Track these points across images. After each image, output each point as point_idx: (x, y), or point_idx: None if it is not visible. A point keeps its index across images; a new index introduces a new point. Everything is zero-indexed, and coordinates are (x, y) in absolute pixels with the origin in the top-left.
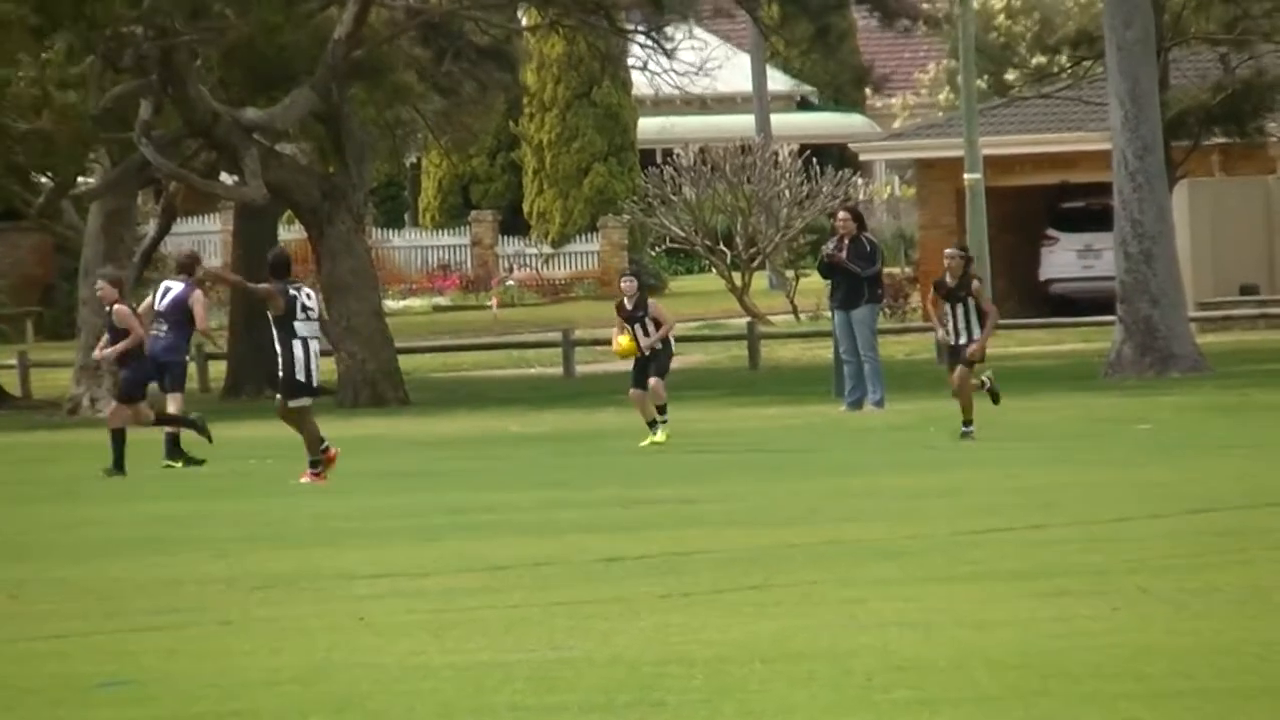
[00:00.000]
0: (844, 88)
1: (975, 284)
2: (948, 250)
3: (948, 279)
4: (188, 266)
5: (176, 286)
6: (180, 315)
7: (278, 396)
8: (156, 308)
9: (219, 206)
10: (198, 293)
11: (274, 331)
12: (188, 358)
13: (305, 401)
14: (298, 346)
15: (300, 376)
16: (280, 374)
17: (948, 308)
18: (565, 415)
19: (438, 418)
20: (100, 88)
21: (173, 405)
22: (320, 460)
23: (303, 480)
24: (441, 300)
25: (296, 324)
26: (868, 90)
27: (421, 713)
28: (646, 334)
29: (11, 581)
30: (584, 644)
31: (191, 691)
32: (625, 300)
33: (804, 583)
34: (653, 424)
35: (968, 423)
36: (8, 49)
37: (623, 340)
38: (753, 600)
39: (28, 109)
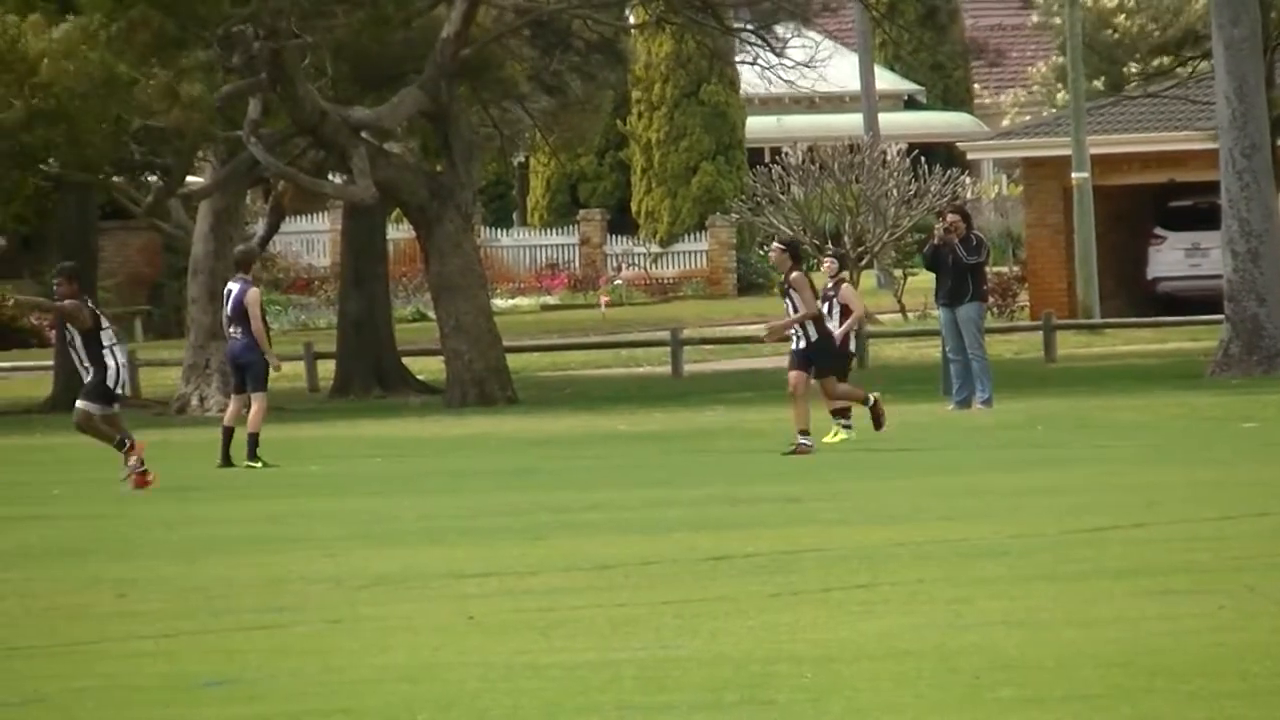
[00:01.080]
0: (952, 87)
1: (794, 275)
2: (776, 243)
3: (828, 283)
4: (244, 264)
5: (236, 286)
6: (245, 314)
7: (80, 404)
8: (225, 311)
9: (327, 205)
10: (253, 290)
11: (83, 348)
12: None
13: (114, 409)
14: (108, 356)
15: (112, 384)
16: (92, 383)
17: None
18: (672, 414)
19: (545, 417)
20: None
21: (257, 405)
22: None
23: (130, 487)
24: (549, 299)
25: (103, 334)
26: (975, 90)
27: (528, 711)
28: (831, 317)
29: (120, 580)
30: (691, 643)
31: (298, 690)
32: (829, 280)
33: (911, 581)
34: (836, 412)
35: (803, 433)
36: (139, 50)
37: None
38: (860, 599)
39: (159, 103)
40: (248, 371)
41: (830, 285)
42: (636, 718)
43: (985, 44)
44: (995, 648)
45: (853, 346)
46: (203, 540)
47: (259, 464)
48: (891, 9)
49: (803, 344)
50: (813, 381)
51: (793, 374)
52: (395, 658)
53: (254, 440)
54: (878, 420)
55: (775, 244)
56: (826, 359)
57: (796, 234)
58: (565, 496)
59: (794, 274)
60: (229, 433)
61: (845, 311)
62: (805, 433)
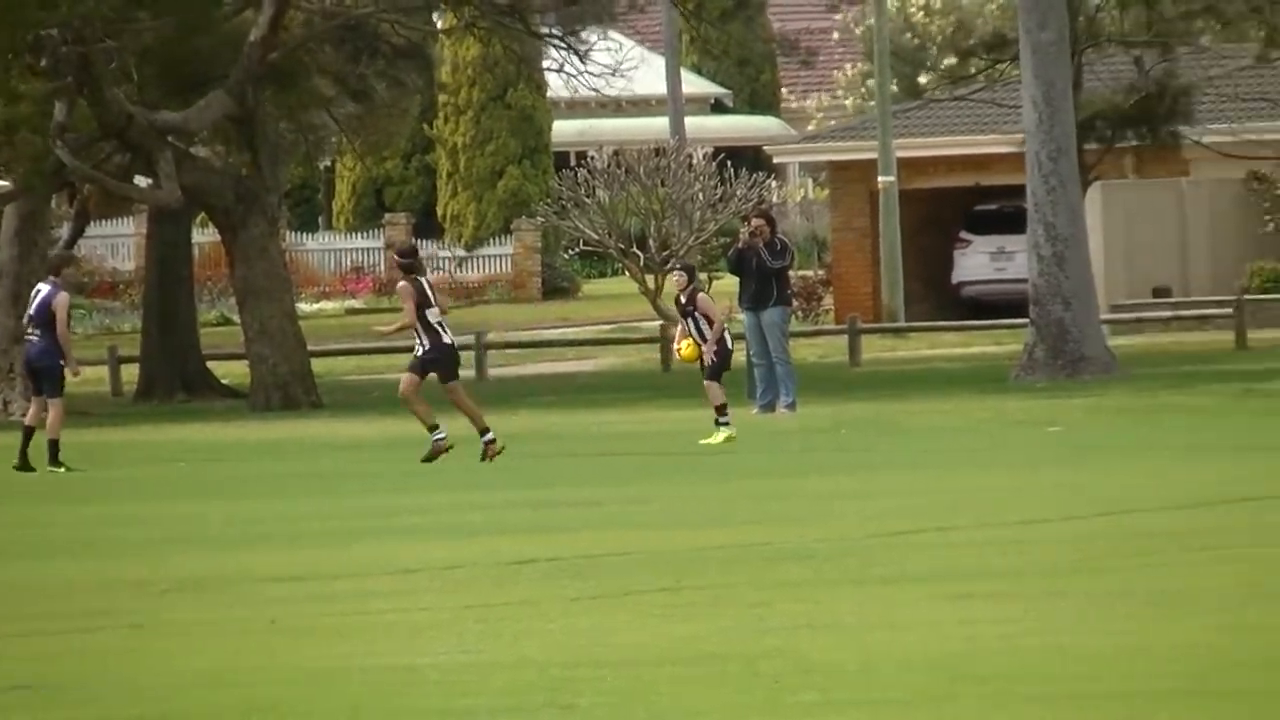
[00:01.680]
0: (758, 91)
1: (700, 295)
2: (676, 269)
3: (680, 297)
4: (57, 267)
5: (45, 289)
6: (49, 318)
7: None
8: (29, 312)
9: (133, 209)
10: (61, 295)
11: None
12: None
13: None
14: None
15: None
16: None
17: (684, 324)
18: None
19: (350, 421)
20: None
21: (54, 411)
22: None
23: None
24: (355, 303)
25: None
26: (782, 93)
27: (332, 716)
28: (699, 331)
29: None
30: (494, 647)
31: (103, 695)
32: (680, 295)
33: (715, 585)
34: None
35: (484, 431)
36: None
37: (683, 348)
38: (663, 603)
39: None
40: (44, 376)
41: (684, 300)
42: None
43: (796, 41)
44: (798, 651)
45: (730, 345)
46: (3, 545)
47: (61, 469)
48: (699, 6)
49: (420, 351)
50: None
51: (405, 377)
52: (200, 662)
53: (54, 446)
54: (433, 456)
55: (677, 270)
56: (443, 366)
57: (602, 237)
58: (369, 501)
59: (700, 296)
60: (29, 433)
61: (709, 322)
62: (435, 428)
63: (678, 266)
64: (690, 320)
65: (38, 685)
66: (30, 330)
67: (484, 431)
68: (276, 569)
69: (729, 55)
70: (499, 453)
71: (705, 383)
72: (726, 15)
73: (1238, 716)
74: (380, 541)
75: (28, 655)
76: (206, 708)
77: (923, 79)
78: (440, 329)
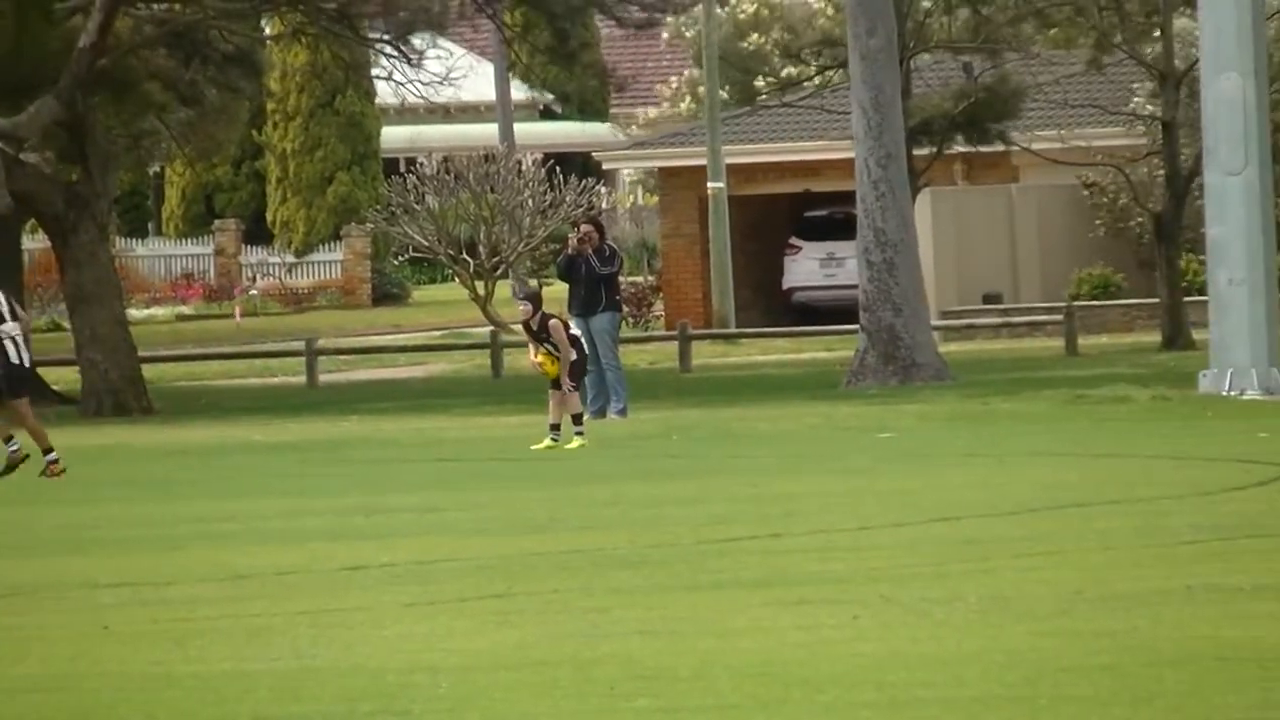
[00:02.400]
0: (588, 97)
1: (552, 322)
2: (518, 298)
3: (531, 325)
4: None
5: None
6: None
7: None
8: None
9: None
10: None
11: None
12: None
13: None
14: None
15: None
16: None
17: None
18: (308, 424)
19: (181, 427)
20: None
21: None
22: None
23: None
24: (185, 309)
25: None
26: (612, 99)
27: None
28: (554, 355)
29: None
30: (327, 653)
31: None
32: (529, 323)
33: (547, 591)
34: (555, 427)
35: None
36: None
37: (542, 361)
38: (496, 609)
39: None
40: None
41: (535, 328)
42: None
43: (614, 69)
44: (632, 657)
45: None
46: None
47: None
48: (525, 30)
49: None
50: None
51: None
52: (30, 668)
53: None
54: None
55: (520, 300)
56: (19, 385)
57: (432, 243)
58: (201, 506)
59: (552, 322)
60: None
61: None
62: (10, 439)
63: (520, 295)
64: (548, 345)
65: None
66: None
67: (47, 451)
68: (108, 574)
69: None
70: (61, 472)
71: (566, 393)
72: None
73: None
74: (212, 547)
75: None
76: (38, 713)
77: (758, 83)
78: (13, 344)
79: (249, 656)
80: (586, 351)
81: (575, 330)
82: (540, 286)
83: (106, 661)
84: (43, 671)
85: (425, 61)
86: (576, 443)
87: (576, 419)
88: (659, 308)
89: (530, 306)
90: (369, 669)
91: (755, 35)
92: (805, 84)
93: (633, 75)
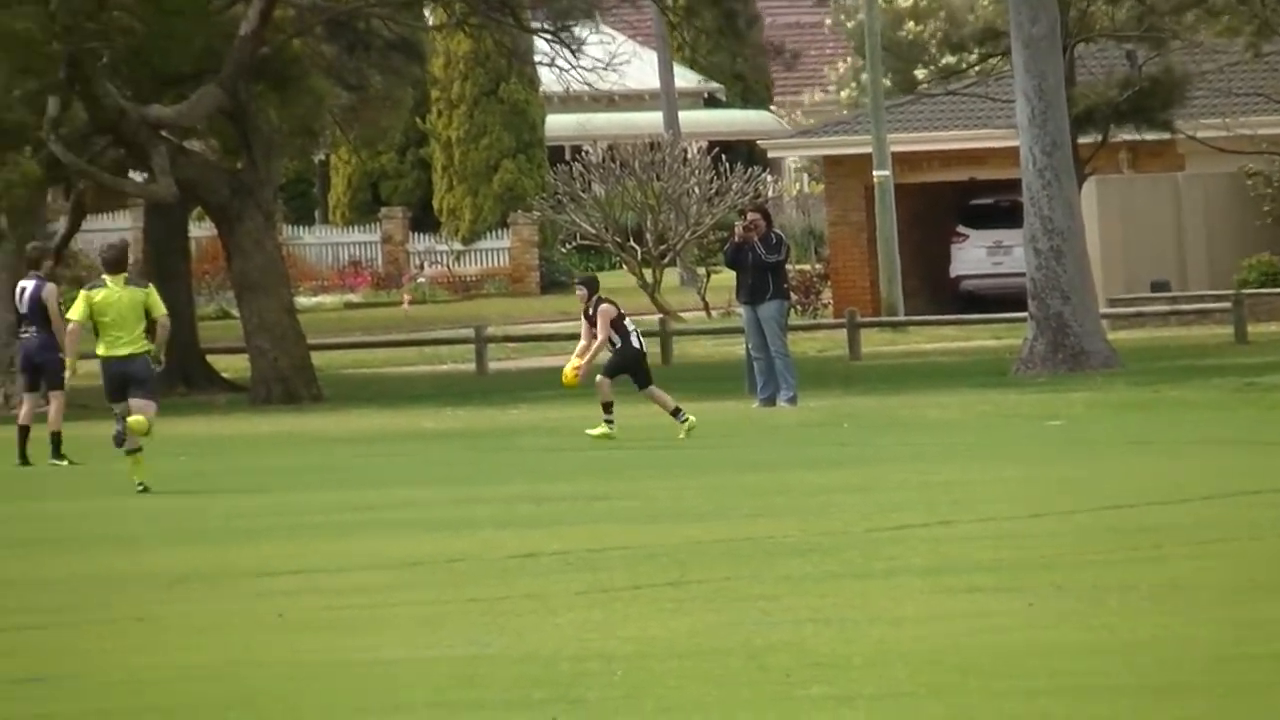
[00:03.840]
0: (753, 80)
1: (602, 307)
2: (576, 283)
3: (588, 310)
4: (35, 262)
5: (30, 284)
6: (43, 312)
7: None
8: (20, 310)
9: (129, 204)
10: (50, 286)
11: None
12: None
13: None
14: None
15: None
16: None
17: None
18: (477, 412)
19: (350, 414)
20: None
21: (55, 404)
22: None
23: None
24: (353, 297)
25: None
26: (775, 86)
27: (339, 710)
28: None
29: None
30: (500, 640)
31: (104, 688)
32: (587, 308)
33: (718, 579)
34: (677, 411)
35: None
36: None
37: (567, 372)
38: (669, 596)
39: None
40: (44, 370)
41: (590, 311)
42: (448, 716)
43: (782, 46)
44: (804, 645)
45: (639, 347)
46: (8, 539)
47: (64, 462)
48: (689, 12)
49: None
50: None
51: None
52: (204, 656)
53: (56, 439)
54: None
55: (579, 284)
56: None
57: (599, 231)
58: (372, 494)
59: (602, 305)
60: (24, 431)
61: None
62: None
63: (578, 281)
64: (614, 339)
65: (41, 678)
66: (27, 327)
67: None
68: (281, 563)
69: (716, 58)
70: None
71: (598, 378)
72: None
73: (1241, 710)
74: (384, 535)
75: (31, 649)
76: (210, 700)
77: (918, 73)
78: None
79: (422, 644)
80: (636, 348)
81: (631, 328)
82: (709, 275)
83: (279, 649)
84: (216, 659)
85: (587, 48)
86: (600, 430)
87: (606, 407)
88: (826, 296)
89: (586, 291)
90: (542, 656)
91: (913, 24)
92: (967, 72)
93: (799, 51)
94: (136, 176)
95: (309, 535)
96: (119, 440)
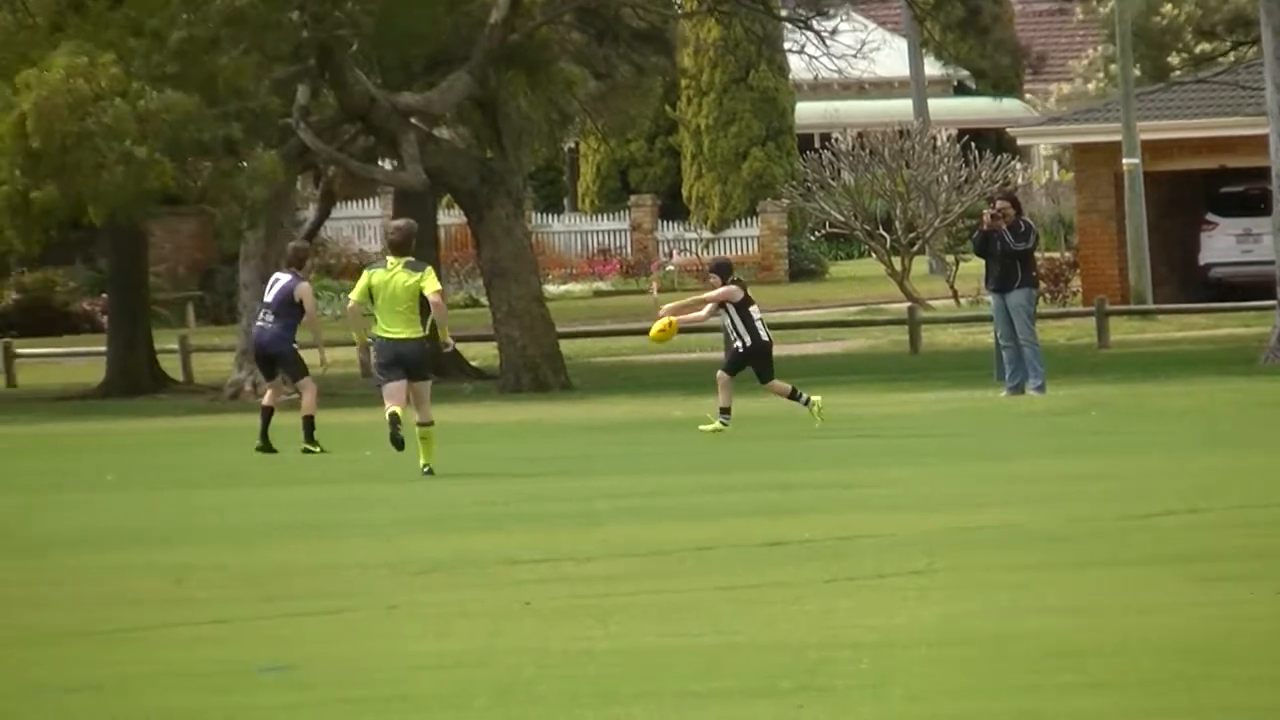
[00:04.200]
0: (1001, 73)
1: (729, 289)
2: (709, 268)
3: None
4: (298, 260)
5: (285, 278)
6: (288, 306)
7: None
8: (266, 299)
9: (378, 191)
10: (304, 284)
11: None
12: (295, 346)
13: None
14: None
15: None
16: None
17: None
18: None
19: (599, 402)
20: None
21: (308, 392)
22: None
23: None
24: (602, 285)
25: None
26: (1025, 74)
27: (586, 697)
28: (735, 326)
29: (176, 567)
30: (747, 629)
31: (355, 676)
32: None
33: (967, 567)
34: (725, 410)
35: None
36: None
37: (661, 326)
38: (916, 585)
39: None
40: (279, 362)
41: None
42: (695, 704)
43: (1028, 49)
44: (1054, 633)
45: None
46: (258, 526)
47: (317, 449)
48: (937, 6)
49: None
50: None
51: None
52: (452, 644)
53: (310, 424)
54: None
55: (712, 272)
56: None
57: (848, 219)
58: (620, 482)
59: (731, 285)
60: (268, 413)
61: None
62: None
63: (710, 266)
64: (725, 314)
65: (290, 666)
66: (264, 316)
67: None
68: (528, 550)
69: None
70: None
71: (719, 374)
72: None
73: None
74: (631, 522)
75: (279, 636)
76: (460, 688)
77: (1171, 59)
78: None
79: (669, 632)
80: (765, 340)
81: (758, 318)
82: (957, 263)
83: (527, 637)
84: (464, 647)
85: (837, 36)
86: (711, 427)
87: (724, 411)
88: (1076, 284)
89: (719, 278)
90: (790, 645)
91: (1169, 7)
92: (1219, 60)
93: (1045, 53)
94: (385, 164)
95: (556, 523)
96: (395, 437)
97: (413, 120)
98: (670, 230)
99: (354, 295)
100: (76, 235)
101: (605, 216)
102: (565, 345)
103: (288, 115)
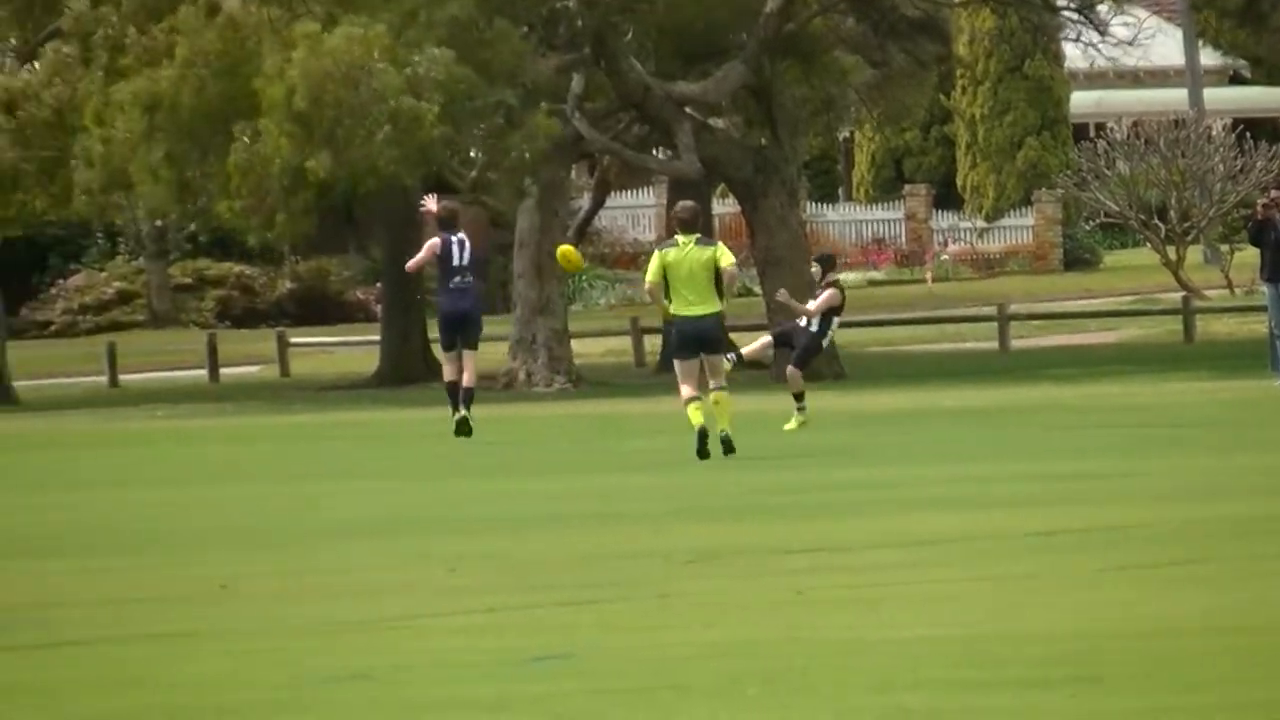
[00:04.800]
0: (1278, 63)
1: (828, 292)
2: (813, 259)
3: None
4: (451, 219)
5: (463, 238)
6: (482, 266)
7: None
8: (455, 262)
9: (652, 180)
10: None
11: None
12: None
13: None
14: None
15: None
16: None
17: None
18: (998, 390)
19: (871, 392)
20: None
21: (470, 363)
22: None
23: None
24: (876, 274)
25: None
26: None
27: (858, 687)
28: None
29: (448, 556)
30: (1018, 618)
31: (626, 665)
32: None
33: (1244, 557)
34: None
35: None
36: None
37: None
38: (1191, 574)
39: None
40: (474, 324)
41: (820, 289)
42: (967, 693)
43: None
44: None
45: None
46: (529, 516)
47: (470, 420)
48: None
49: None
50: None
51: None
52: (723, 634)
53: (468, 395)
54: None
55: (814, 259)
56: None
57: (1123, 209)
58: (890, 472)
59: (828, 291)
60: (455, 388)
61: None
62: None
63: (814, 257)
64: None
65: (561, 656)
66: (463, 279)
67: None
68: (799, 540)
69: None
70: None
71: (789, 369)
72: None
73: None
74: (899, 512)
75: (551, 626)
76: (730, 677)
77: None
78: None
79: (940, 622)
80: (817, 339)
81: (835, 322)
82: (1232, 252)
83: (799, 627)
84: (734, 637)
85: (1112, 26)
86: (795, 423)
87: (798, 397)
88: None
89: (820, 269)
90: (1060, 634)
91: None
92: None
93: None
94: (660, 153)
95: (827, 512)
96: (702, 450)
97: (687, 109)
98: (944, 220)
99: (651, 277)
100: (349, 224)
101: (879, 206)
102: (838, 334)
103: (561, 99)
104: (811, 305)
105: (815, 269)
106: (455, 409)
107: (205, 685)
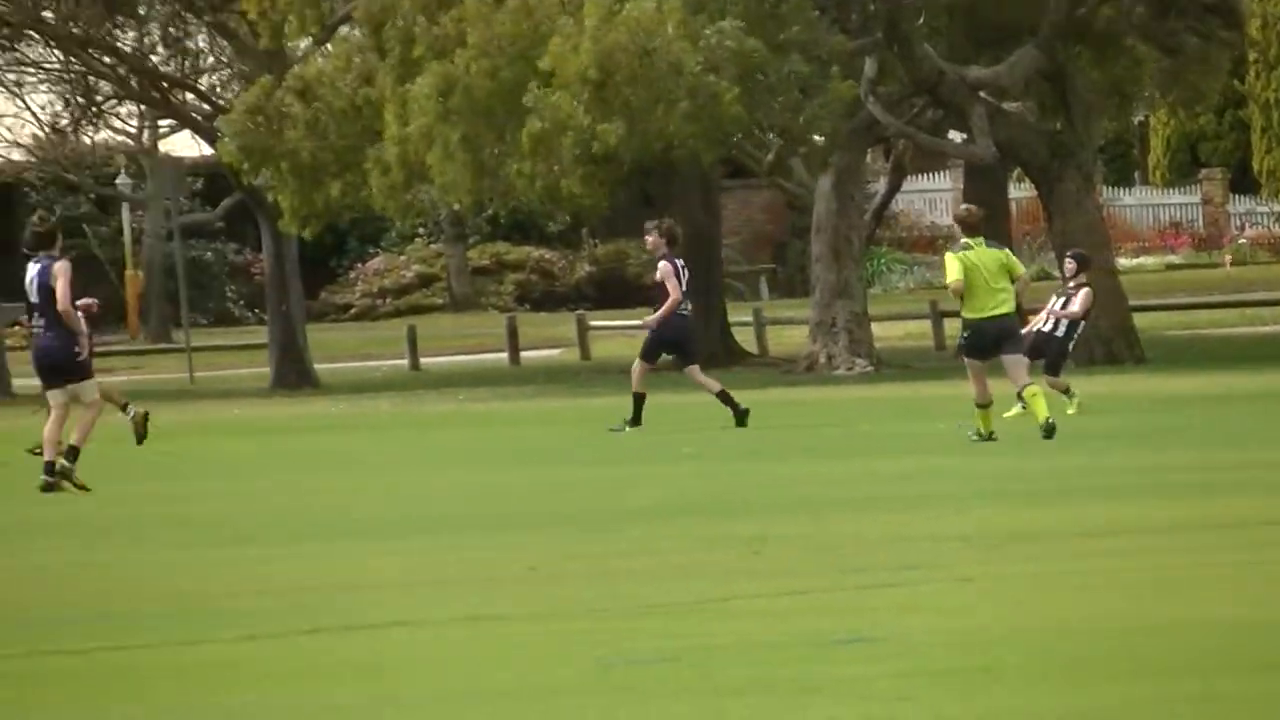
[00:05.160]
0: None
1: (1083, 292)
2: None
3: (1070, 284)
4: (670, 237)
5: (664, 261)
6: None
7: None
8: (682, 280)
9: (947, 164)
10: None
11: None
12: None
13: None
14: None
15: None
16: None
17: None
18: None
19: (1172, 376)
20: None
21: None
22: None
23: None
24: (1173, 258)
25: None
26: None
27: (1178, 668)
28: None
29: (752, 538)
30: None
31: (932, 647)
32: (1069, 281)
33: None
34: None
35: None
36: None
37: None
38: None
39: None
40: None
41: (1071, 285)
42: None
43: None
44: None
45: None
46: (832, 498)
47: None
48: None
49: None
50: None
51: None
52: (1028, 616)
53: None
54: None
55: (1069, 256)
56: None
57: None
58: (1187, 456)
59: (1083, 291)
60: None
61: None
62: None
63: (1070, 254)
64: (1066, 299)
65: (866, 638)
66: (684, 306)
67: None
68: (1101, 522)
69: None
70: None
71: (1046, 380)
72: None
73: None
74: (1203, 496)
75: (855, 608)
76: (1039, 661)
77: None
78: None
79: (1254, 603)
80: (1061, 339)
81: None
82: None
83: (1106, 610)
84: (1041, 620)
85: None
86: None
87: (1066, 391)
88: None
89: (1075, 265)
90: None
91: None
92: None
93: None
94: (954, 137)
95: (1128, 496)
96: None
97: (981, 94)
98: (1241, 204)
99: (955, 275)
100: (646, 208)
101: (1175, 190)
102: (1138, 319)
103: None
104: (1075, 307)
105: (1070, 265)
106: (735, 409)
107: (518, 666)
